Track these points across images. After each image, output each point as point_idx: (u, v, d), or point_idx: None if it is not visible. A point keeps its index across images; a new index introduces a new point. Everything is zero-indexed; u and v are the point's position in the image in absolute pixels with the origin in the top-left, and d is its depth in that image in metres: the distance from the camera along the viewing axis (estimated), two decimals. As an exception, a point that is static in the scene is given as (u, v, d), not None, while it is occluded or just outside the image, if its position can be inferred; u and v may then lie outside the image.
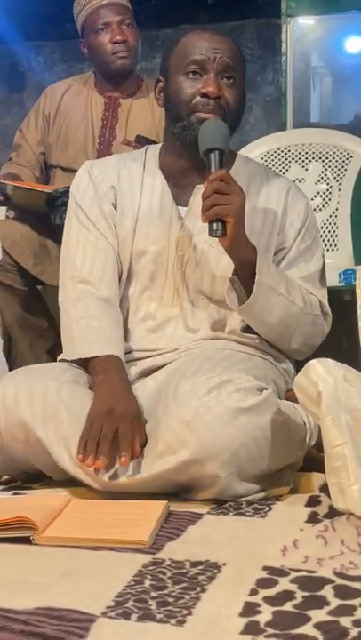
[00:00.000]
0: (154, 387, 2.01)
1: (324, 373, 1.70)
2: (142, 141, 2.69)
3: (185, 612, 1.30)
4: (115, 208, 2.14)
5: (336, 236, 3.12)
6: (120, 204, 2.14)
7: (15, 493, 1.90)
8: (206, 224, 1.93)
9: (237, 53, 2.09)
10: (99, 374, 1.97)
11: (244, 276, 2.01)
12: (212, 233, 1.92)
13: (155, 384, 2.02)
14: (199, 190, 2.04)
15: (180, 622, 1.27)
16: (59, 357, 2.13)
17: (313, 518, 1.72)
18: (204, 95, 2.01)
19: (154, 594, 1.37)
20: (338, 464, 1.65)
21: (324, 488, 1.81)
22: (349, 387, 1.69)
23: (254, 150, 3.20)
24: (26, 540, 1.59)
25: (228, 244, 1.96)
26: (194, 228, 2.10)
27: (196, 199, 2.05)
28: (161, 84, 2.12)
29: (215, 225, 1.90)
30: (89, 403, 1.92)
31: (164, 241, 2.11)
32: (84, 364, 2.04)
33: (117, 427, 1.84)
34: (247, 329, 2.11)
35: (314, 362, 1.73)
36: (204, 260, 2.09)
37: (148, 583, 1.41)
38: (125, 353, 2.06)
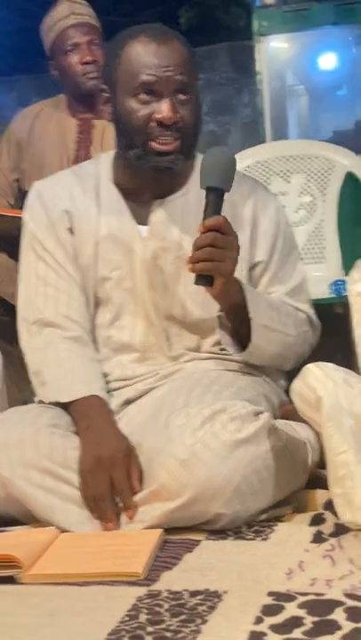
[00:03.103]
0: (138, 415, 1.88)
1: (322, 377, 1.60)
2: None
3: (185, 646, 1.19)
4: (71, 233, 1.98)
5: (324, 247, 3.02)
6: (77, 228, 1.98)
7: None
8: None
9: (188, 59, 1.88)
10: (81, 420, 1.84)
11: (233, 315, 1.87)
12: (198, 283, 1.76)
13: (139, 412, 1.89)
14: (159, 206, 1.94)
15: (180, 658, 1.16)
16: (35, 399, 1.98)
17: (318, 538, 1.61)
18: (159, 123, 1.84)
19: (150, 629, 1.26)
20: (342, 473, 1.54)
21: (329, 505, 1.71)
22: (351, 389, 1.59)
23: (234, 165, 3.12)
24: (10, 580, 1.48)
25: (215, 294, 1.81)
26: (158, 250, 1.95)
27: (157, 216, 1.94)
28: (107, 95, 1.94)
29: (203, 278, 1.75)
30: (72, 445, 1.79)
31: (127, 266, 1.95)
32: (63, 405, 1.90)
33: (110, 475, 1.73)
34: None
35: (311, 366, 1.63)
36: (173, 284, 1.94)
37: (143, 617, 1.30)
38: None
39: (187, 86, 1.87)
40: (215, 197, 1.76)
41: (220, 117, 6.03)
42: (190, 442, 1.67)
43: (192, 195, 1.96)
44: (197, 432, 1.68)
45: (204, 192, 1.82)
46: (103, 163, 2.04)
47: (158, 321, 1.96)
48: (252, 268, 2.00)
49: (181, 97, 1.86)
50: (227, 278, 1.78)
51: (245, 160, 3.15)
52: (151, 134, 1.86)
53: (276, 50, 4.90)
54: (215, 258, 1.73)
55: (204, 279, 1.76)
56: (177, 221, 1.94)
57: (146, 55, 1.86)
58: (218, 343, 1.97)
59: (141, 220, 1.96)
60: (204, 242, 1.74)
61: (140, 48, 1.87)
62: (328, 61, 5.00)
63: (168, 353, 1.97)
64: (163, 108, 1.84)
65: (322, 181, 3.09)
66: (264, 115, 4.62)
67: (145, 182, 1.94)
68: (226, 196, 1.83)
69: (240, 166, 3.09)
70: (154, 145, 1.86)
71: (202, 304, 1.93)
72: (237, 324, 1.88)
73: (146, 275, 1.95)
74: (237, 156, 3.20)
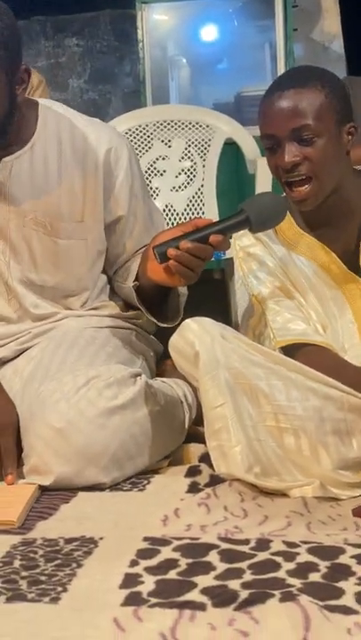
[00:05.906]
0: (15, 377, 1.84)
1: (200, 332, 1.60)
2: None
3: (59, 589, 1.19)
4: None
5: (203, 212, 3.04)
6: None
7: None
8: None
9: None
10: None
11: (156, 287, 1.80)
12: (162, 261, 1.65)
13: (15, 374, 1.85)
14: (5, 165, 1.82)
15: (55, 600, 1.16)
16: None
17: (194, 488, 1.63)
18: None
19: (24, 573, 1.25)
20: (218, 426, 1.56)
21: (204, 458, 1.73)
22: (227, 344, 1.60)
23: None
24: None
25: (166, 280, 1.71)
26: (9, 213, 1.85)
27: (3, 176, 1.83)
28: None
29: (160, 256, 1.65)
30: None
31: None
32: None
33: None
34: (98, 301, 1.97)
35: (189, 321, 1.63)
36: (26, 247, 1.87)
37: (17, 563, 1.29)
38: None
39: None
40: (242, 224, 1.67)
41: (100, 86, 5.96)
42: (65, 409, 1.64)
43: (38, 147, 1.86)
44: (72, 399, 1.65)
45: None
46: None
47: (17, 286, 1.89)
48: (112, 221, 1.93)
49: None
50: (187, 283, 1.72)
51: (126, 123, 3.14)
52: None
53: (157, 18, 4.88)
54: (195, 270, 1.65)
55: (161, 259, 1.65)
56: (25, 179, 1.84)
57: None
58: (84, 304, 1.94)
59: None
60: (201, 254, 1.63)
61: None
62: (209, 33, 4.99)
63: (35, 315, 1.91)
64: None
65: (202, 147, 3.11)
66: (145, 84, 4.59)
67: None
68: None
69: (120, 130, 3.08)
70: None
71: (60, 267, 1.89)
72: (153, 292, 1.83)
73: None
74: (118, 120, 3.23)
